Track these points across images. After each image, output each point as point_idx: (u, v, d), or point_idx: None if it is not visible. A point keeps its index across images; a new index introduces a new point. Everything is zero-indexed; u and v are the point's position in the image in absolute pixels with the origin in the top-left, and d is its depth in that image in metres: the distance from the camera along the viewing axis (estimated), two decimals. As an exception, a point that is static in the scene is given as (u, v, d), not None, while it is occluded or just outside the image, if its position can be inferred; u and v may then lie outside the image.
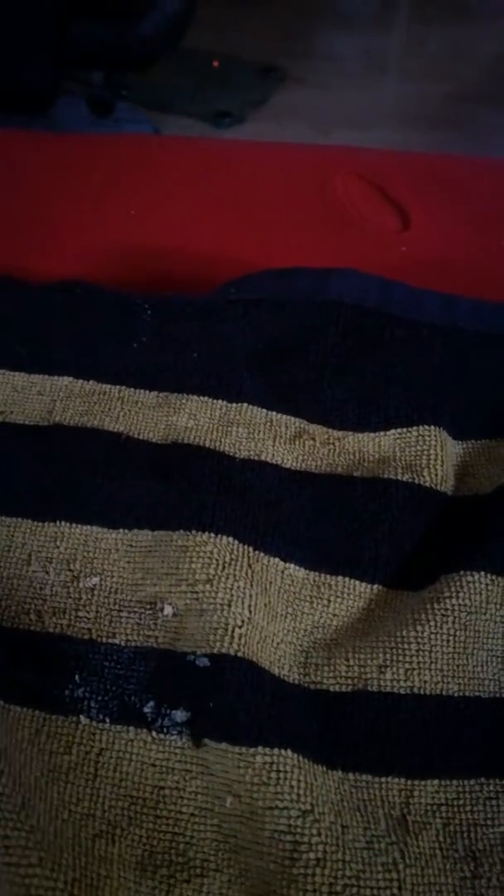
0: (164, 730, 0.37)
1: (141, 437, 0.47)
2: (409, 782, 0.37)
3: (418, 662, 0.39)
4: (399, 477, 0.46)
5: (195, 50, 1.90)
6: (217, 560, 0.41)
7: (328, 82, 2.07)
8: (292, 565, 0.43)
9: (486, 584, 0.40)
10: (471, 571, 0.41)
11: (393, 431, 0.48)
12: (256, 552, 0.42)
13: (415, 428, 0.48)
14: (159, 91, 1.91)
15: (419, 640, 0.39)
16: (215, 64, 2.05)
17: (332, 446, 0.48)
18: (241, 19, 2.18)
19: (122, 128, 1.68)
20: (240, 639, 0.38)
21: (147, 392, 0.49)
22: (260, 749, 0.36)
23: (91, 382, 0.49)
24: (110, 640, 0.40)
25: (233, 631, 0.38)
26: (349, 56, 2.21)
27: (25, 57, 1.34)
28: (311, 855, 0.34)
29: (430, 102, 2.00)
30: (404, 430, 0.48)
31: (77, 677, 0.38)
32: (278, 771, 0.35)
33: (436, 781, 0.37)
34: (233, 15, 2.15)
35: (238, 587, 0.40)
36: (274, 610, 0.41)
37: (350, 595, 0.42)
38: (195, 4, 1.51)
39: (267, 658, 0.39)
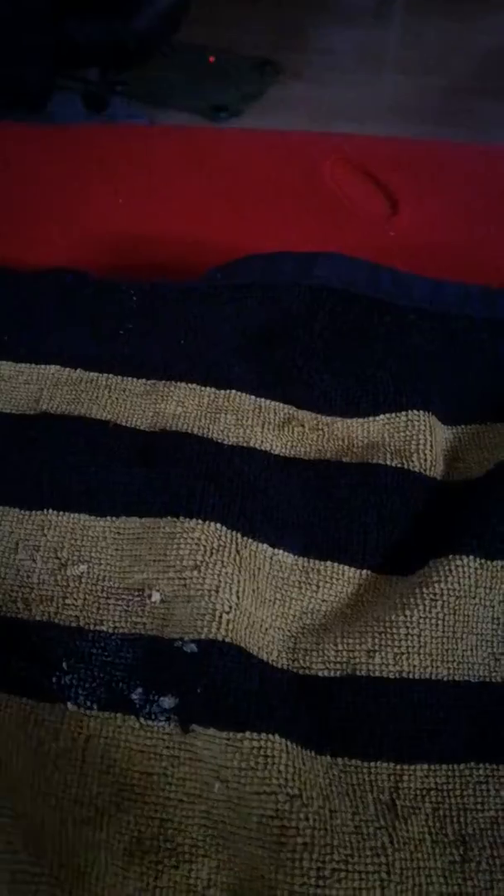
0: (152, 716, 0.37)
1: (128, 425, 0.47)
2: (398, 767, 0.36)
3: (407, 647, 0.39)
4: (388, 462, 0.45)
5: (191, 45, 1.90)
6: (205, 546, 0.41)
7: (324, 76, 2.07)
8: (281, 551, 0.43)
9: (476, 569, 0.40)
10: (460, 556, 0.40)
11: (382, 416, 0.48)
12: (245, 538, 0.42)
13: (404, 413, 0.47)
14: (155, 86, 1.91)
15: (408, 624, 0.39)
16: (211, 59, 2.04)
17: (320, 432, 0.47)
18: (237, 14, 2.17)
19: (117, 123, 1.67)
20: (227, 624, 0.38)
21: (134, 380, 0.49)
22: (248, 734, 0.35)
23: (78, 370, 0.49)
24: (98, 628, 0.39)
25: (220, 617, 0.38)
26: (345, 50, 2.21)
27: (21, 55, 1.34)
28: (299, 840, 0.33)
29: (427, 95, 2.00)
30: (393, 415, 0.48)
31: (64, 664, 0.38)
32: (266, 756, 0.35)
33: (425, 766, 0.36)
34: (228, 10, 2.15)
35: (226, 573, 0.40)
36: (262, 595, 0.41)
37: (339, 580, 0.42)
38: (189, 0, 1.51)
39: (255, 643, 0.39)
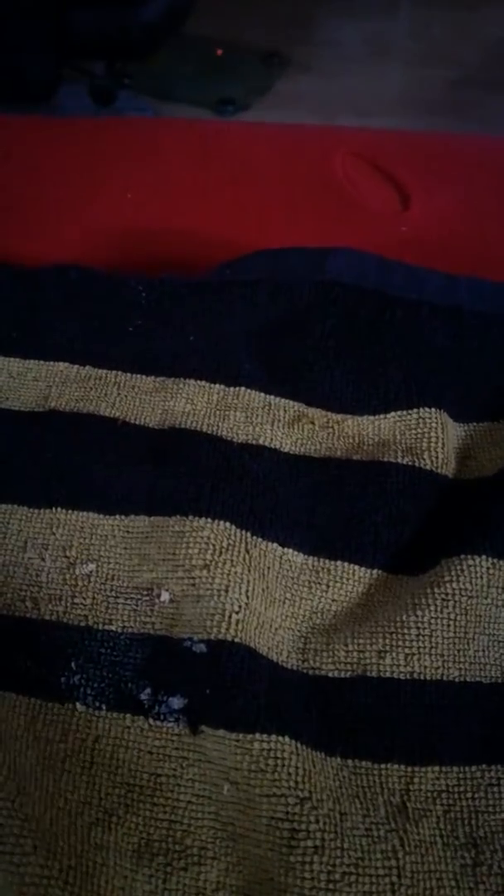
0: (161, 717, 0.37)
1: (138, 423, 0.47)
2: (410, 769, 0.36)
3: (418, 647, 0.38)
4: (399, 460, 0.45)
5: (198, 37, 1.89)
6: (214, 545, 0.40)
7: (332, 69, 2.05)
8: (290, 550, 0.42)
9: (488, 568, 0.40)
10: (472, 555, 0.40)
11: (393, 414, 0.47)
12: (254, 537, 0.41)
13: (415, 410, 0.47)
14: (162, 79, 1.90)
15: (419, 625, 0.39)
16: (218, 52, 2.03)
17: (331, 430, 0.47)
18: (244, 6, 2.16)
19: (124, 116, 1.67)
20: (237, 624, 0.38)
21: (144, 377, 0.49)
22: (258, 736, 0.35)
23: (87, 367, 0.49)
24: (106, 627, 0.39)
25: (230, 616, 0.38)
26: (353, 42, 2.20)
27: (26, 46, 1.34)
28: (310, 842, 0.33)
29: (435, 88, 1.99)
30: (404, 412, 0.47)
31: (73, 664, 0.38)
32: (276, 758, 0.35)
33: (436, 768, 0.36)
34: (235, 2, 2.13)
35: (235, 572, 0.39)
36: (272, 595, 0.40)
37: (349, 580, 0.42)
38: (197, -9, 1.50)
39: (265, 644, 0.38)
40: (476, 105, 1.91)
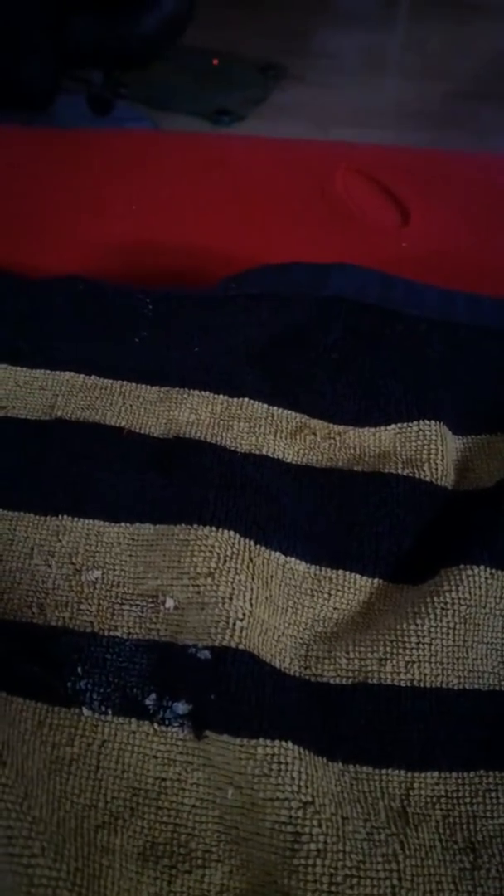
0: (166, 722, 0.37)
1: (142, 432, 0.47)
2: (409, 774, 0.37)
3: (418, 655, 0.39)
4: (400, 471, 0.46)
5: (195, 48, 1.90)
6: (218, 554, 0.41)
7: (328, 80, 2.07)
8: (293, 559, 0.43)
9: (486, 578, 0.41)
10: (471, 565, 0.41)
11: (393, 426, 0.48)
12: (257, 546, 0.42)
13: (415, 423, 0.48)
14: (159, 89, 1.91)
15: (419, 633, 0.39)
16: (215, 62, 2.05)
17: (332, 441, 0.48)
18: (241, 17, 2.18)
19: (122, 126, 1.68)
20: (241, 632, 0.38)
21: (149, 387, 0.49)
22: (261, 741, 0.36)
23: (93, 377, 0.50)
24: (112, 633, 0.40)
25: (234, 624, 0.38)
26: (349, 54, 2.21)
27: (25, 56, 1.34)
28: (312, 846, 0.34)
29: (430, 100, 2.00)
30: (405, 424, 0.48)
31: (79, 670, 0.39)
32: (279, 763, 0.35)
33: (436, 773, 0.37)
34: (233, 13, 2.15)
35: (239, 580, 0.40)
36: (275, 603, 0.41)
37: (350, 589, 0.43)
38: (194, 3, 1.51)
39: (268, 651, 0.39)
40: (471, 117, 1.93)
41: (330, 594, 0.42)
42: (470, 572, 0.41)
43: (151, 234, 0.62)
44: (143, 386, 0.49)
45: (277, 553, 0.43)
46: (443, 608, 0.40)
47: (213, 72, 2.03)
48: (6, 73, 1.36)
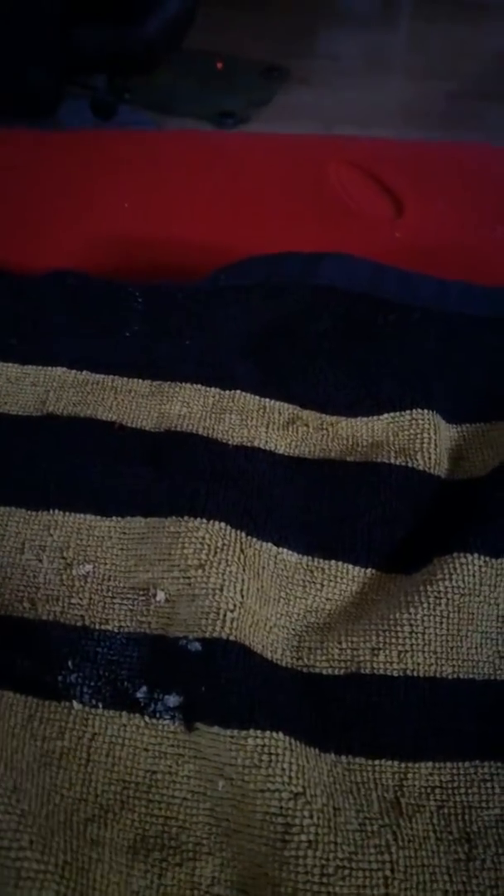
0: (157, 714, 0.37)
1: (134, 426, 0.47)
2: (403, 765, 0.36)
3: (411, 645, 0.39)
4: (392, 461, 0.46)
5: (198, 51, 1.91)
6: (209, 545, 0.41)
7: (331, 81, 2.07)
8: (285, 550, 0.43)
9: (480, 567, 0.40)
10: (464, 553, 0.40)
11: (386, 416, 0.48)
12: (249, 537, 0.42)
13: (408, 412, 0.47)
14: (162, 93, 1.92)
15: (412, 622, 0.39)
16: (218, 65, 2.05)
17: (325, 431, 0.48)
18: (244, 20, 2.18)
19: (124, 128, 1.68)
20: (232, 623, 0.38)
21: (140, 381, 0.49)
22: (252, 732, 0.35)
23: (84, 372, 0.50)
24: (103, 627, 0.40)
25: (225, 615, 0.38)
26: (352, 55, 2.22)
27: (29, 61, 1.35)
28: (303, 837, 0.33)
29: (434, 100, 2.00)
30: (397, 413, 0.48)
31: (70, 663, 0.38)
32: (270, 754, 0.35)
33: (429, 764, 0.36)
34: (235, 16, 2.15)
35: (230, 572, 0.40)
36: (267, 594, 0.41)
37: (343, 579, 0.42)
38: (196, 6, 1.52)
39: (259, 642, 0.39)
40: (474, 117, 1.93)
41: (322, 584, 0.42)
42: (463, 560, 0.40)
43: (145, 229, 0.62)
44: (135, 380, 0.49)
45: (269, 544, 0.42)
46: (436, 597, 0.39)
47: (217, 75, 2.03)
48: (11, 80, 1.37)
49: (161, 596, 0.40)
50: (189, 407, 0.48)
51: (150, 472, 0.45)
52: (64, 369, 0.50)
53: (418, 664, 0.38)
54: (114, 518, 0.43)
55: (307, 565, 0.43)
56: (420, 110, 1.96)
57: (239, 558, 0.41)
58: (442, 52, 2.20)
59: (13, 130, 0.76)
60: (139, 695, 0.38)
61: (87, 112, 1.65)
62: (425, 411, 0.47)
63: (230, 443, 0.46)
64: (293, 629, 0.41)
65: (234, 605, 0.39)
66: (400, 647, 0.39)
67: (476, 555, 0.40)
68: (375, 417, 0.48)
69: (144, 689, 0.38)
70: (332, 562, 0.43)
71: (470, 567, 0.40)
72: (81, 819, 0.35)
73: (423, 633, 0.39)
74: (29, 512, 0.43)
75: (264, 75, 2.04)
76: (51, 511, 0.43)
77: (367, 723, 0.37)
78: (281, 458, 0.46)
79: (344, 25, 2.31)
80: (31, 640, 0.39)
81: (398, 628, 0.39)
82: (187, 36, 1.54)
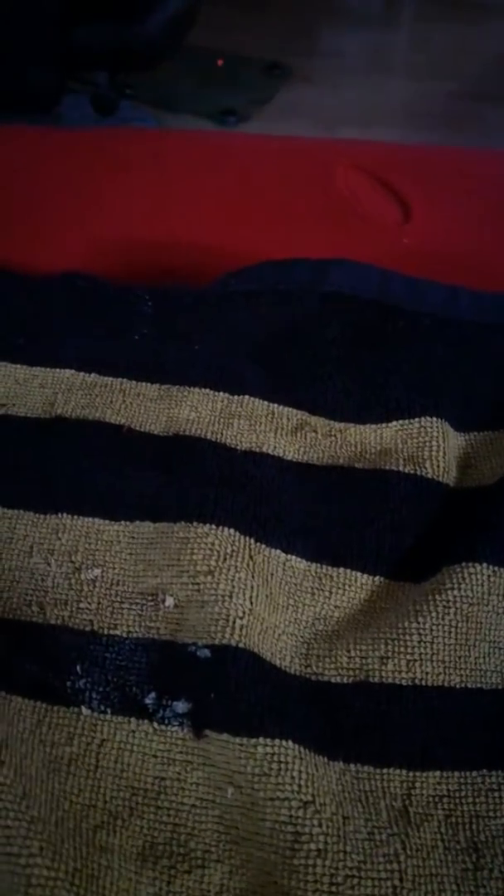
0: (166, 721, 0.37)
1: (143, 430, 0.47)
2: (411, 774, 0.36)
3: (420, 654, 0.39)
4: (401, 468, 0.46)
5: (200, 48, 1.90)
6: (218, 551, 0.41)
7: (333, 80, 2.07)
8: (294, 557, 0.43)
9: (489, 576, 0.40)
10: (473, 563, 0.40)
11: (395, 423, 0.48)
12: (258, 544, 0.42)
13: (417, 419, 0.47)
14: (164, 90, 1.91)
15: (421, 631, 0.39)
16: (220, 62, 2.05)
17: (333, 438, 0.48)
18: (246, 18, 2.18)
19: (129, 126, 1.68)
20: (241, 630, 0.38)
21: (149, 384, 0.49)
22: (261, 740, 0.35)
23: (93, 375, 0.49)
24: (112, 632, 0.40)
25: (234, 622, 0.38)
26: (354, 54, 2.21)
27: (30, 58, 1.35)
28: (312, 846, 0.34)
29: (436, 100, 2.00)
30: (406, 421, 0.48)
31: (78, 668, 0.38)
32: (279, 762, 0.35)
33: (437, 773, 0.36)
34: (237, 13, 2.15)
35: (239, 578, 0.40)
36: (275, 601, 0.41)
37: (352, 586, 0.42)
38: (198, 4, 1.52)
39: (268, 649, 0.39)
40: (476, 118, 1.93)
41: (331, 592, 0.42)
42: (472, 570, 0.40)
43: (152, 231, 0.62)
44: (143, 384, 0.49)
45: (278, 551, 0.42)
46: (445, 606, 0.40)
47: (218, 72, 2.03)
48: (12, 76, 1.36)
49: (170, 601, 0.40)
50: (197, 411, 0.48)
51: (158, 477, 0.45)
52: (72, 371, 0.49)
53: (427, 673, 0.39)
54: (122, 522, 0.43)
55: (316, 572, 0.43)
56: (421, 110, 1.96)
57: (248, 565, 0.41)
58: (444, 52, 2.20)
59: (16, 128, 0.75)
60: (148, 701, 0.38)
61: (87, 108, 1.65)
62: (434, 419, 0.47)
63: (238, 448, 0.46)
64: (302, 637, 0.41)
65: (244, 612, 0.39)
66: (408, 656, 0.39)
67: (485, 564, 0.40)
68: (384, 425, 0.48)
69: (153, 695, 0.38)
70: (341, 569, 0.43)
71: (478, 577, 0.40)
72: (90, 826, 0.35)
73: (432, 643, 0.39)
74: (37, 515, 0.43)
75: (266, 73, 2.04)
76: (59, 514, 0.43)
77: (376, 731, 0.37)
78: (289, 465, 0.46)
79: (346, 24, 2.30)
80: (39, 645, 0.39)
81: (407, 637, 0.39)
82: (190, 33, 1.53)
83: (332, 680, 0.39)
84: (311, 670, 0.39)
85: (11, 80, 1.37)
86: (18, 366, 0.50)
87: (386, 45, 2.26)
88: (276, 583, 0.41)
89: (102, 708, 0.37)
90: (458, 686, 0.38)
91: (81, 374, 0.49)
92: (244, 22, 2.16)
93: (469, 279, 0.54)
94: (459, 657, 0.39)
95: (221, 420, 0.47)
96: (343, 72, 2.11)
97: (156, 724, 0.37)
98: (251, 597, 0.39)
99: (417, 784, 0.36)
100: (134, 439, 0.47)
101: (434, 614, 0.39)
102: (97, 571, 0.41)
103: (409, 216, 0.64)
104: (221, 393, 0.48)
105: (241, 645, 0.38)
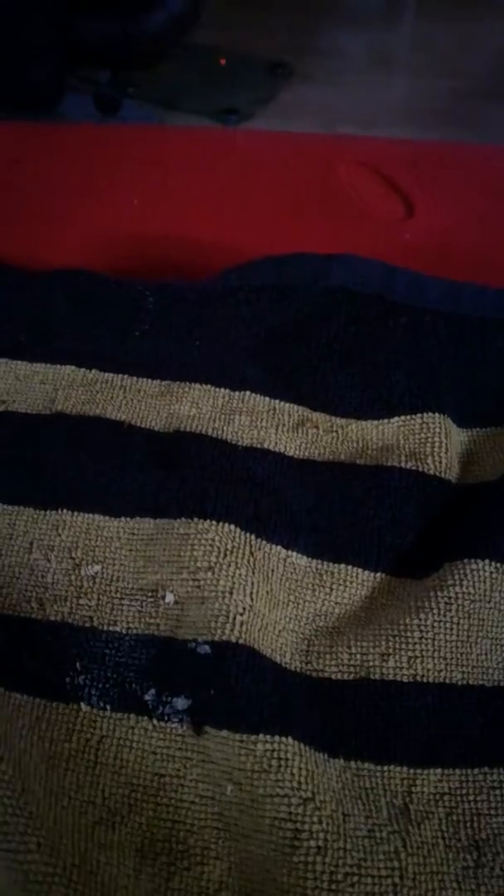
0: (165, 717, 0.37)
1: (143, 426, 0.47)
2: (412, 771, 0.36)
3: (421, 650, 0.39)
4: (403, 465, 0.45)
5: (202, 47, 1.90)
6: (219, 548, 0.40)
7: (335, 78, 2.06)
8: (294, 553, 0.42)
9: (491, 573, 0.40)
10: (475, 559, 0.40)
11: (397, 419, 0.48)
12: (258, 540, 0.42)
13: (419, 415, 0.47)
14: (166, 88, 1.91)
15: (422, 628, 0.39)
16: (222, 61, 2.04)
17: (335, 434, 0.47)
18: (248, 16, 2.17)
19: (130, 123, 1.67)
20: (241, 626, 0.38)
21: (150, 380, 0.49)
22: (261, 736, 0.35)
23: (94, 371, 0.49)
24: (111, 628, 0.40)
25: (234, 618, 0.38)
26: (356, 52, 2.21)
27: (31, 55, 1.35)
28: (312, 843, 0.33)
29: (438, 98, 1.99)
30: (408, 417, 0.47)
31: (78, 665, 0.38)
32: (279, 758, 0.35)
33: (438, 770, 0.36)
34: (240, 12, 2.14)
35: (239, 575, 0.40)
36: (276, 598, 0.41)
37: (353, 583, 0.42)
38: (201, 2, 1.51)
39: (268, 646, 0.39)
40: (478, 115, 1.92)
41: (332, 588, 0.42)
42: (474, 566, 0.40)
43: (154, 227, 0.62)
44: (144, 380, 0.49)
45: (279, 547, 0.42)
46: (446, 603, 0.39)
47: (221, 71, 2.02)
48: (14, 74, 1.36)
49: (170, 598, 0.40)
50: (198, 408, 0.47)
51: (158, 473, 0.45)
52: (73, 367, 0.49)
53: (428, 670, 0.38)
54: (122, 519, 0.43)
55: (316, 569, 0.42)
56: (423, 108, 1.96)
57: (248, 561, 0.40)
58: (446, 50, 2.19)
59: (17, 124, 0.75)
60: (147, 697, 0.37)
61: (90, 106, 1.64)
62: (436, 415, 0.47)
63: (239, 444, 0.46)
64: (302, 633, 0.40)
65: (244, 609, 0.38)
66: (410, 653, 0.39)
67: (487, 561, 0.40)
68: (386, 420, 0.48)
69: (153, 691, 0.38)
70: (342, 565, 0.42)
71: (480, 573, 0.40)
72: (89, 822, 0.35)
73: (434, 639, 0.39)
74: (37, 511, 0.43)
75: (268, 72, 2.03)
76: (59, 510, 0.43)
77: (377, 728, 0.37)
78: (290, 461, 0.46)
79: (349, 22, 2.30)
80: (38, 641, 0.39)
81: (408, 634, 0.39)
82: (192, 31, 1.53)
83: (333, 676, 0.39)
84: (312, 667, 0.39)
85: (12, 76, 1.36)
86: (19, 362, 0.50)
87: (388, 44, 2.26)
88: (276, 579, 0.41)
89: (102, 704, 0.37)
90: (459, 683, 0.38)
91: (82, 370, 0.49)
92: (246, 21, 2.15)
93: (472, 275, 0.54)
94: (461, 654, 0.39)
95: (222, 416, 0.47)
96: (346, 70, 2.11)
97: (155, 721, 0.37)
98: (251, 593, 0.39)
99: (418, 781, 0.36)
100: (134, 435, 0.47)
101: (436, 611, 0.39)
102: (97, 568, 0.41)
103: (412, 212, 0.64)
104: (222, 389, 0.48)
105: (241, 641, 0.38)
